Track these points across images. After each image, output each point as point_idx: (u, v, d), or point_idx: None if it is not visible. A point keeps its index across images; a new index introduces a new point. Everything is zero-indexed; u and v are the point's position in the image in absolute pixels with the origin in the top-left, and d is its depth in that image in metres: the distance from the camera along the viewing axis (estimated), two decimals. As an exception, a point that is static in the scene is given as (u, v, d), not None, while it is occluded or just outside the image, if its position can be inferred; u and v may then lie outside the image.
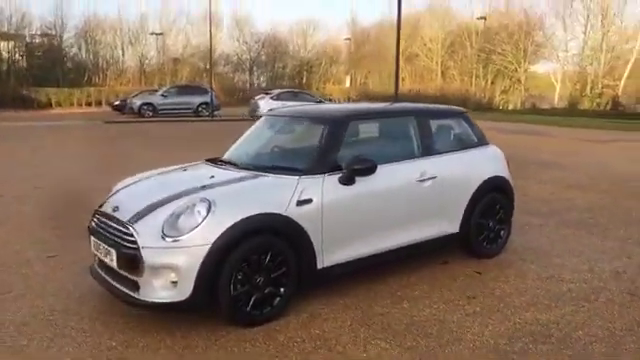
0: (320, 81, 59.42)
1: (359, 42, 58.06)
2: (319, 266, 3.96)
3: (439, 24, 47.09)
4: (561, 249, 5.42)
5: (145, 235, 3.52)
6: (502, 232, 5.21)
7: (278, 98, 24.75)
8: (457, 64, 45.04)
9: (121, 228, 3.67)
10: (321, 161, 4.10)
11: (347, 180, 4.06)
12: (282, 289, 3.78)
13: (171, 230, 3.51)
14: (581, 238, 5.82)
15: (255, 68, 59.63)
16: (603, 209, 7.21)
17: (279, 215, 3.74)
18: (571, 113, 29.43)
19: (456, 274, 4.70)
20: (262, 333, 3.59)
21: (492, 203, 5.07)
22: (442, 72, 46.50)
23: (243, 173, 4.13)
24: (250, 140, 4.96)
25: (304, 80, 58.96)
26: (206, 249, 3.46)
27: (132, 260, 3.53)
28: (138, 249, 3.49)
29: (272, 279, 3.72)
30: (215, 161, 4.70)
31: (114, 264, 3.67)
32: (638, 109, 29.31)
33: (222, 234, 3.50)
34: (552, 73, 36.97)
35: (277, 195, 3.83)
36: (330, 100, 25.68)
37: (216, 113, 27.74)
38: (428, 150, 4.73)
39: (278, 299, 3.77)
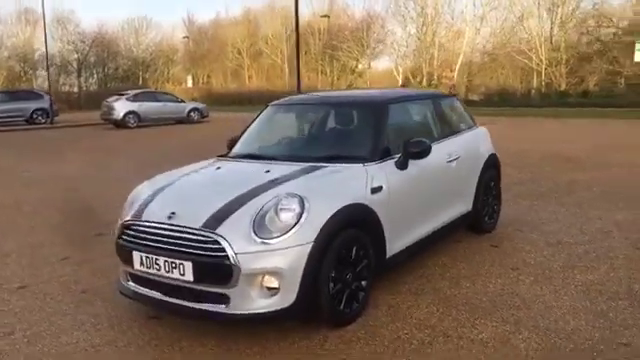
0: (158, 81, 56.76)
1: (197, 40, 56.68)
2: (387, 255, 3.82)
3: (280, 21, 47.78)
4: (540, 218, 5.86)
5: (235, 240, 3.09)
6: (496, 207, 5.50)
7: (135, 99, 23.12)
8: (303, 61, 46.10)
9: (196, 236, 3.18)
10: (377, 147, 3.94)
11: (403, 164, 3.96)
12: (364, 282, 3.58)
13: (264, 231, 3.13)
14: (544, 207, 6.35)
15: (84, 70, 55.08)
16: (528, 181, 7.96)
17: (362, 205, 3.53)
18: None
19: (477, 250, 4.84)
20: (363, 331, 3.37)
21: (490, 180, 5.32)
22: (289, 69, 47.26)
23: (300, 165, 3.81)
24: (269, 131, 4.60)
25: (140, 81, 55.83)
26: (309, 248, 3.15)
27: (220, 270, 3.08)
28: (227, 257, 3.05)
29: (357, 273, 3.51)
30: (236, 156, 4.30)
31: (187, 278, 3.17)
32: (469, 97, 32.77)
33: (321, 230, 3.20)
34: (394, 68, 39.69)
35: (355, 185, 3.61)
36: (183, 101, 24.58)
37: (56, 119, 25.11)
38: (446, 132, 4.81)
39: (362, 294, 3.57)
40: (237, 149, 4.51)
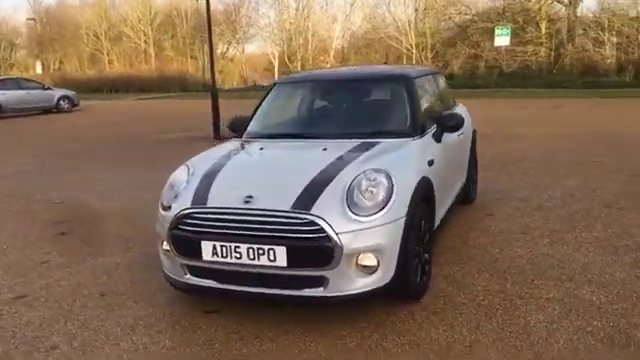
0: (0, 67, 51.02)
1: (45, 23, 51.71)
2: (434, 227, 3.88)
3: (142, 2, 45.16)
4: (506, 187, 6.30)
5: (334, 219, 2.94)
6: (476, 177, 5.80)
7: (-4, 87, 20.61)
8: (170, 45, 44.15)
9: (288, 219, 2.97)
10: (416, 121, 3.95)
11: (439, 138, 4.04)
12: (426, 255, 3.61)
13: (359, 208, 3.01)
14: (497, 177, 6.82)
15: None
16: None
17: (427, 178, 3.54)
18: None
19: (479, 219, 5.09)
20: (441, 302, 3.39)
21: (474, 152, 5.60)
22: (156, 54, 44.98)
23: (352, 142, 3.70)
24: (290, 109, 4.41)
25: (-26, 67, 49.78)
26: (402, 222, 3.10)
27: (319, 252, 2.92)
28: (328, 237, 2.90)
29: (424, 246, 3.52)
30: (264, 136, 4.09)
31: (279, 263, 2.96)
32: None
33: (410, 204, 3.17)
34: (269, 52, 39.45)
35: (417, 159, 3.61)
36: (50, 88, 22.42)
37: None
38: (448, 106, 4.96)
39: (427, 266, 3.59)
40: (260, 129, 4.26)
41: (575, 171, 7.03)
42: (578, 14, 28.58)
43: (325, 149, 3.60)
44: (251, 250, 3.00)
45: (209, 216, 3.15)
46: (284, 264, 2.95)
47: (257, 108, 4.49)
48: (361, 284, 3.02)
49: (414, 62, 31.66)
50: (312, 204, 2.99)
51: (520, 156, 8.27)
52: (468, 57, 29.91)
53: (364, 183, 3.10)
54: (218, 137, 12.03)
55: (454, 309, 3.31)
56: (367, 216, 3.00)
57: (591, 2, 33.23)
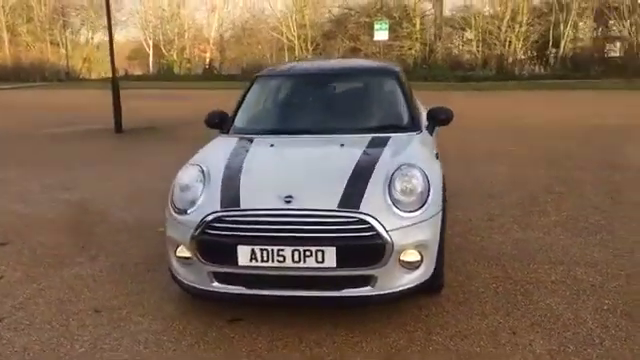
0: None
1: None
2: None
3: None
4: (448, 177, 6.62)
5: (383, 216, 2.90)
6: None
7: None
8: (27, 29, 40.04)
9: (336, 218, 2.88)
10: (414, 115, 4.01)
11: (432, 131, 4.14)
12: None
13: (403, 204, 3.00)
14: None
15: None
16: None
17: (442, 171, 3.61)
18: (167, 77, 31.54)
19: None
20: (461, 294, 3.50)
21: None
22: (10, 39, 40.51)
23: (362, 136, 3.64)
24: (280, 104, 4.23)
25: None
26: (439, 216, 3.15)
27: (370, 250, 2.87)
28: (379, 235, 2.86)
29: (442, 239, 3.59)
30: (257, 132, 3.91)
31: (327, 264, 2.85)
32: (231, 71, 33.35)
33: (442, 198, 3.22)
34: (143, 40, 37.37)
35: (430, 153, 3.66)
36: None
37: None
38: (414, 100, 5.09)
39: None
40: (251, 125, 4.10)
41: (498, 160, 7.57)
42: (446, 12, 30.75)
43: (343, 145, 3.53)
44: (296, 252, 2.86)
45: (246, 219, 2.95)
46: (333, 265, 2.86)
47: (240, 102, 4.27)
48: (406, 280, 3.01)
49: (296, 54, 31.96)
50: (359, 202, 2.93)
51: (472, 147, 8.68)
52: (348, 50, 30.80)
53: (402, 179, 3.09)
54: (120, 130, 11.26)
55: (477, 298, 3.42)
56: (411, 212, 2.99)
57: (458, 1, 35.75)
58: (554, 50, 28.11)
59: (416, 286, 3.04)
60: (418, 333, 3.03)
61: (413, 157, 3.35)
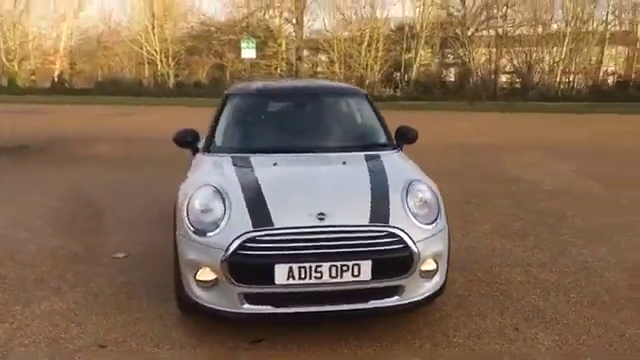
0: None
1: None
2: None
3: None
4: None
5: (409, 229, 3.09)
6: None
7: None
8: None
9: (370, 233, 3.03)
10: (389, 133, 4.27)
11: (400, 149, 4.43)
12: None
13: (420, 217, 3.22)
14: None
15: None
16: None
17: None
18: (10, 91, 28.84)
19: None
20: (472, 309, 3.79)
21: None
22: None
23: (354, 154, 3.84)
24: (259, 123, 4.24)
25: None
26: (448, 228, 3.42)
27: (402, 262, 3.06)
28: (408, 247, 3.06)
29: None
30: (239, 150, 3.91)
31: (363, 277, 2.97)
32: (83, 84, 31.09)
33: (444, 210, 3.50)
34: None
35: (417, 169, 3.91)
36: None
37: None
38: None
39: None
40: (233, 144, 4.06)
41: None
42: (306, 35, 31.92)
43: (345, 162, 3.68)
44: (334, 268, 2.95)
45: (282, 237, 2.96)
46: (368, 277, 2.99)
47: (217, 120, 4.20)
48: (426, 289, 3.23)
49: (158, 68, 30.91)
50: (388, 216, 3.10)
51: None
52: (213, 66, 30.57)
53: (415, 194, 3.31)
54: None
55: (467, 301, 3.74)
56: (429, 224, 3.22)
57: (318, 24, 37.19)
58: (406, 75, 30.56)
59: (433, 293, 3.28)
60: (438, 336, 3.26)
61: (415, 174, 3.60)
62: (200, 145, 4.14)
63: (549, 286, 4.00)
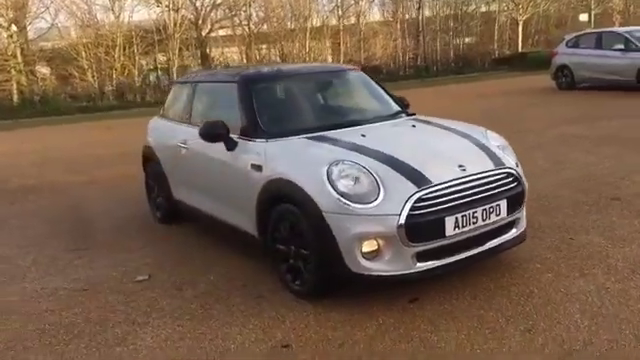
0: None
1: None
2: None
3: None
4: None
5: (516, 169, 3.50)
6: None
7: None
8: None
9: (499, 175, 3.37)
10: (396, 102, 4.54)
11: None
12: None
13: (511, 158, 3.63)
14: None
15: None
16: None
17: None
18: None
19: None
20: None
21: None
22: None
23: (405, 120, 4.14)
24: (293, 105, 4.30)
25: None
26: None
27: (522, 195, 3.48)
28: (521, 183, 3.47)
29: None
30: (298, 133, 3.75)
31: (502, 215, 3.31)
32: None
33: None
34: None
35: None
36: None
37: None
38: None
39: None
40: (287, 126, 3.86)
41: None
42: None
43: (414, 125, 3.96)
44: (484, 211, 3.23)
45: (445, 191, 3.12)
46: (505, 214, 3.35)
47: (250, 107, 3.87)
48: (524, 222, 3.66)
49: None
50: (501, 160, 3.48)
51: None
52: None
53: (495, 139, 3.76)
54: None
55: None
56: (516, 164, 3.63)
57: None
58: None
59: (525, 229, 3.70)
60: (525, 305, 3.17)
61: (463, 127, 3.94)
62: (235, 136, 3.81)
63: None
